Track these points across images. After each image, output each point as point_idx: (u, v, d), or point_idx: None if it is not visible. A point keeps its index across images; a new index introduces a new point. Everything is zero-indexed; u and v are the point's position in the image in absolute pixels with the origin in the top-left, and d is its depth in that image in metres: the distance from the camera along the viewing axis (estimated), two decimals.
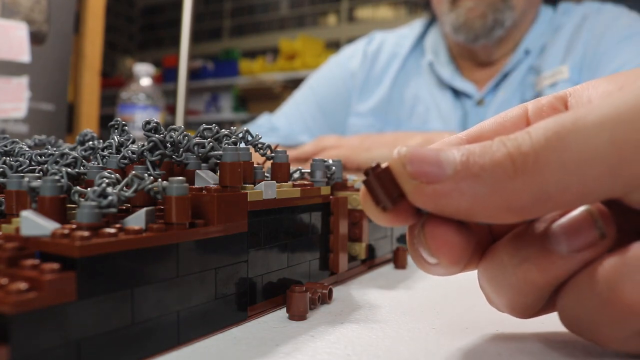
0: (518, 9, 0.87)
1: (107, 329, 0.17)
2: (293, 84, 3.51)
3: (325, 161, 0.32)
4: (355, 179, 0.40)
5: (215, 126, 0.27)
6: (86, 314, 0.17)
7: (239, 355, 0.20)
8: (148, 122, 0.25)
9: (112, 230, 0.18)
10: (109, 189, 0.19)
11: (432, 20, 1.03)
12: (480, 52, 0.91)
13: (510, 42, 0.91)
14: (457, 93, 0.94)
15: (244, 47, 4.25)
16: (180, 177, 0.21)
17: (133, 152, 0.25)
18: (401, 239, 0.43)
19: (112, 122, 0.29)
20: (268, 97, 3.39)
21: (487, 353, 0.21)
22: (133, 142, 0.28)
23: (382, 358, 0.20)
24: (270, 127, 1.03)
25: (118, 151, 0.27)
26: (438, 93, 0.95)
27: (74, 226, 0.18)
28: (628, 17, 0.89)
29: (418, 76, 0.99)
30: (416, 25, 1.07)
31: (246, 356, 0.20)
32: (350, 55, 1.07)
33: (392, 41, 1.05)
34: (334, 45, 3.88)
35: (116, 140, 0.28)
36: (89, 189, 0.20)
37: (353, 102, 1.03)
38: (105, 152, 0.27)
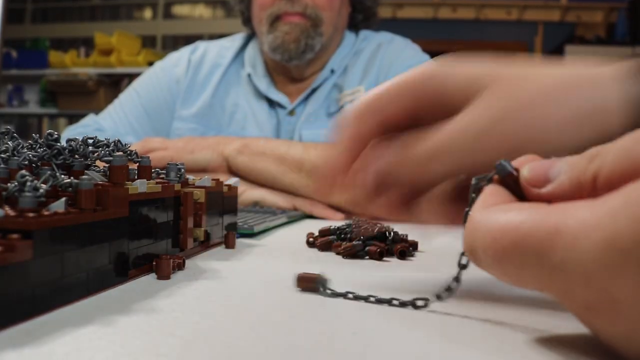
0: (326, 35, 1.03)
1: (48, 279, 0.26)
2: (109, 80, 3.41)
3: (177, 164, 0.42)
4: (194, 179, 0.50)
5: (96, 137, 0.36)
6: (37, 268, 0.25)
7: (131, 298, 0.29)
8: (51, 135, 0.33)
9: (47, 212, 0.27)
10: (41, 184, 0.28)
11: (252, 35, 1.15)
12: (293, 69, 1.06)
13: (319, 62, 1.07)
14: (272, 103, 1.08)
15: (52, 35, 3.99)
16: (88, 176, 0.30)
17: (34, 156, 0.33)
18: (229, 226, 0.53)
19: (3, 130, 0.36)
20: (81, 93, 3.25)
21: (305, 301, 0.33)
22: (23, 148, 0.35)
23: (228, 293, 0.31)
24: (97, 127, 1.07)
25: (13, 154, 0.35)
26: (255, 103, 1.08)
27: (17, 212, 0.26)
28: (412, 50, 1.10)
29: (238, 86, 1.11)
30: (237, 37, 1.19)
31: (134, 300, 0.29)
32: (176, 63, 1.14)
33: (215, 52, 1.15)
34: (150, 43, 3.82)
35: (10, 145, 0.35)
36: (11, 182, 0.28)
37: (177, 107, 1.11)
38: (5, 155, 0.34)
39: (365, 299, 0.30)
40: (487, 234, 0.22)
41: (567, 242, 0.19)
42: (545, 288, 0.21)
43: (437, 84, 0.33)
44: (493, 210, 0.23)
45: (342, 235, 0.50)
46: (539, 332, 0.25)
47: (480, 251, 0.22)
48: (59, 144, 0.33)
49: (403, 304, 0.29)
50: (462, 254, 0.27)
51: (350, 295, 0.31)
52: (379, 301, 0.30)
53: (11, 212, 0.26)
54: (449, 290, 0.27)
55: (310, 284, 0.32)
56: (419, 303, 0.29)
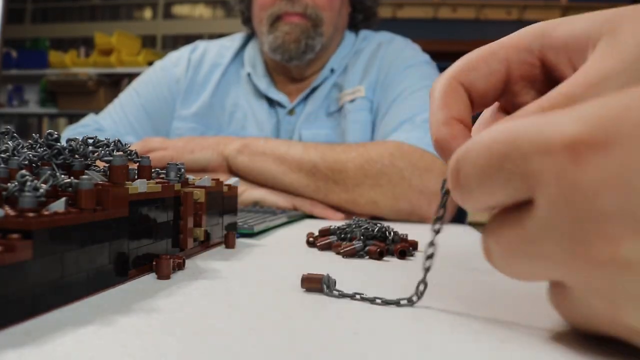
0: (326, 35, 1.03)
1: (48, 279, 0.26)
2: (109, 80, 3.42)
3: (177, 164, 0.42)
4: (194, 178, 0.50)
5: (96, 137, 0.36)
6: (37, 268, 0.25)
7: (131, 298, 0.29)
8: (51, 134, 0.33)
9: (47, 212, 0.27)
10: (41, 184, 0.28)
11: (252, 35, 1.15)
12: (293, 69, 1.06)
13: (319, 62, 1.07)
14: (271, 103, 1.08)
15: (52, 35, 3.98)
16: (88, 176, 0.29)
17: (34, 156, 0.33)
18: (229, 226, 0.53)
19: (3, 130, 0.36)
20: (81, 93, 3.25)
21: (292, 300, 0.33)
22: (23, 147, 0.35)
23: (228, 293, 0.31)
24: (97, 127, 1.07)
25: (13, 154, 0.34)
26: (255, 102, 1.08)
27: (17, 212, 0.26)
28: (411, 50, 1.10)
29: (237, 85, 1.11)
30: (237, 37, 1.19)
31: (134, 300, 0.29)
32: (175, 62, 1.14)
33: (214, 51, 1.15)
34: (150, 43, 3.81)
35: (10, 145, 0.35)
36: (11, 182, 0.28)
37: (177, 107, 1.11)
38: (5, 155, 0.34)
39: (368, 299, 0.30)
40: (481, 141, 0.22)
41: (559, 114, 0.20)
42: (525, 184, 0.21)
43: (545, 41, 0.29)
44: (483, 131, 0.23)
45: (342, 235, 0.50)
46: (544, 330, 0.25)
47: (469, 163, 0.22)
48: (59, 143, 0.33)
49: (407, 300, 0.29)
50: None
51: (358, 297, 0.31)
52: (384, 302, 0.30)
53: (11, 212, 0.26)
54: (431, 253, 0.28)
55: (315, 284, 0.32)
56: (416, 295, 0.29)
